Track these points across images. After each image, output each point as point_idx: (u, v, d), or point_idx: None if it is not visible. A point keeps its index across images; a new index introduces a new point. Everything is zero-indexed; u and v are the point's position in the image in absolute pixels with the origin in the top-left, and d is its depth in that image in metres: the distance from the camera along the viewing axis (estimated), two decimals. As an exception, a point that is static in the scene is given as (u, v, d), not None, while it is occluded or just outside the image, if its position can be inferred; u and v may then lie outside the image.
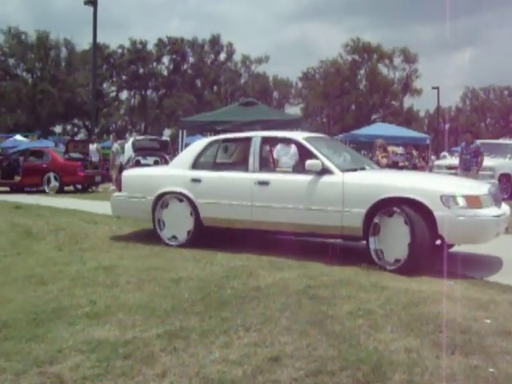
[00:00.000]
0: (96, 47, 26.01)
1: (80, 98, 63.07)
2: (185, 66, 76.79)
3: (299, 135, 8.43)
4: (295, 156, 10.67)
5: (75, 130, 69.75)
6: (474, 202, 6.56)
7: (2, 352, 4.12)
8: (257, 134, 8.29)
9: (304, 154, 8.20)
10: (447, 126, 75.63)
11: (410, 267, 6.52)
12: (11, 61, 63.54)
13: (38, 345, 4.23)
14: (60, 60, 65.23)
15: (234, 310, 4.93)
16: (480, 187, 7.21)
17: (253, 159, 7.88)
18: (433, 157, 30.35)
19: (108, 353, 4.02)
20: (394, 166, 22.53)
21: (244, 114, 14.47)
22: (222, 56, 77.79)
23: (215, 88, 78.33)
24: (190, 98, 69.90)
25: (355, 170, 7.57)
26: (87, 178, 20.01)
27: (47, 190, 19.33)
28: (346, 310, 4.92)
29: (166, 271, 6.47)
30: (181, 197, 8.25)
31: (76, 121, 69.02)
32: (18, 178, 20.16)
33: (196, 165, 8.35)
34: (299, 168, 8.14)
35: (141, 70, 73.44)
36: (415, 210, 6.53)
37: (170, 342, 4.21)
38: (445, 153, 34.04)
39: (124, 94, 75.82)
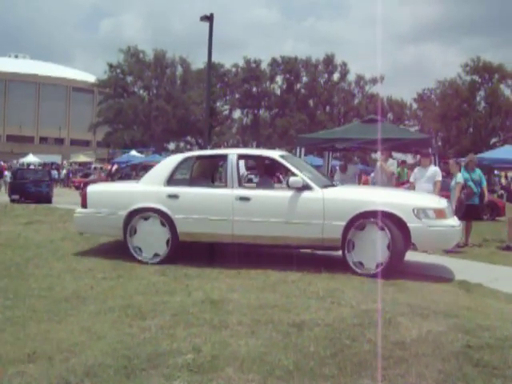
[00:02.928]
0: (210, 62, 25.52)
1: (194, 116, 63.77)
2: (298, 86, 76.22)
3: (275, 153, 8.79)
4: (433, 178, 10.60)
5: (188, 147, 70.69)
6: (440, 213, 7.41)
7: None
8: (232, 152, 8.52)
9: (275, 171, 9.08)
10: None
11: (389, 271, 7.20)
12: (129, 78, 65.30)
13: (125, 408, 3.28)
14: (175, 78, 66.35)
15: (376, 377, 3.77)
16: (441, 200, 8.07)
17: (231, 176, 8.10)
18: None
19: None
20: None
21: (366, 132, 13.26)
22: (336, 76, 76.58)
23: (328, 108, 77.19)
24: (302, 117, 69.13)
25: (331, 186, 8.36)
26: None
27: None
28: (530, 387, 3.65)
29: (285, 311, 5.40)
30: (156, 213, 8.19)
31: (189, 138, 69.91)
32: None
33: (171, 181, 8.40)
34: (265, 184, 8.59)
35: (254, 89, 73.62)
36: (392, 222, 7.25)
37: (296, 421, 3.13)
38: None
39: (237, 113, 76.30)
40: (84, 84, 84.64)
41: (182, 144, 71.23)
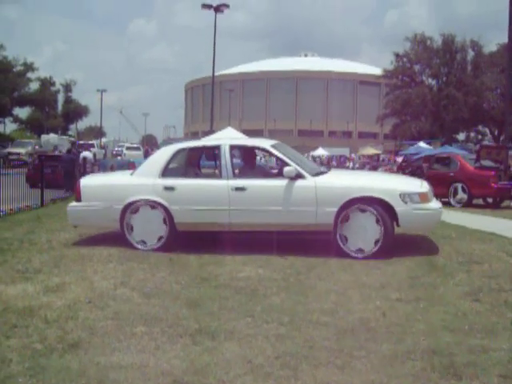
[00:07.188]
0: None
1: (487, 103, 59.15)
2: None
3: (267, 143, 8.84)
4: None
5: (479, 137, 66.04)
6: (425, 197, 7.88)
7: None
8: (225, 142, 8.60)
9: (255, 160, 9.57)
10: None
11: (382, 253, 7.63)
12: (416, 67, 62.93)
13: None
14: (466, 63, 62.23)
15: None
16: (424, 184, 8.40)
17: (225, 166, 8.25)
18: None
19: None
20: None
21: None
22: None
23: None
24: None
25: (321, 173, 8.47)
26: (501, 190, 16.42)
27: (452, 203, 16.70)
28: None
29: None
30: (153, 204, 8.34)
31: (480, 127, 65.23)
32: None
33: (166, 173, 8.47)
34: (256, 174, 8.81)
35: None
36: (382, 207, 7.70)
37: None
38: None
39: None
40: (370, 77, 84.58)
41: (472, 134, 66.82)
